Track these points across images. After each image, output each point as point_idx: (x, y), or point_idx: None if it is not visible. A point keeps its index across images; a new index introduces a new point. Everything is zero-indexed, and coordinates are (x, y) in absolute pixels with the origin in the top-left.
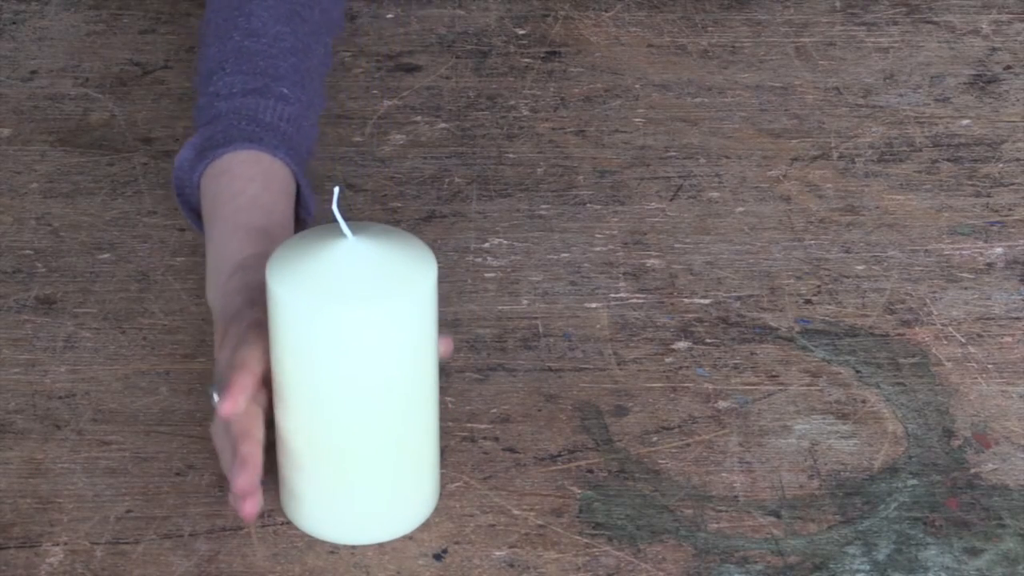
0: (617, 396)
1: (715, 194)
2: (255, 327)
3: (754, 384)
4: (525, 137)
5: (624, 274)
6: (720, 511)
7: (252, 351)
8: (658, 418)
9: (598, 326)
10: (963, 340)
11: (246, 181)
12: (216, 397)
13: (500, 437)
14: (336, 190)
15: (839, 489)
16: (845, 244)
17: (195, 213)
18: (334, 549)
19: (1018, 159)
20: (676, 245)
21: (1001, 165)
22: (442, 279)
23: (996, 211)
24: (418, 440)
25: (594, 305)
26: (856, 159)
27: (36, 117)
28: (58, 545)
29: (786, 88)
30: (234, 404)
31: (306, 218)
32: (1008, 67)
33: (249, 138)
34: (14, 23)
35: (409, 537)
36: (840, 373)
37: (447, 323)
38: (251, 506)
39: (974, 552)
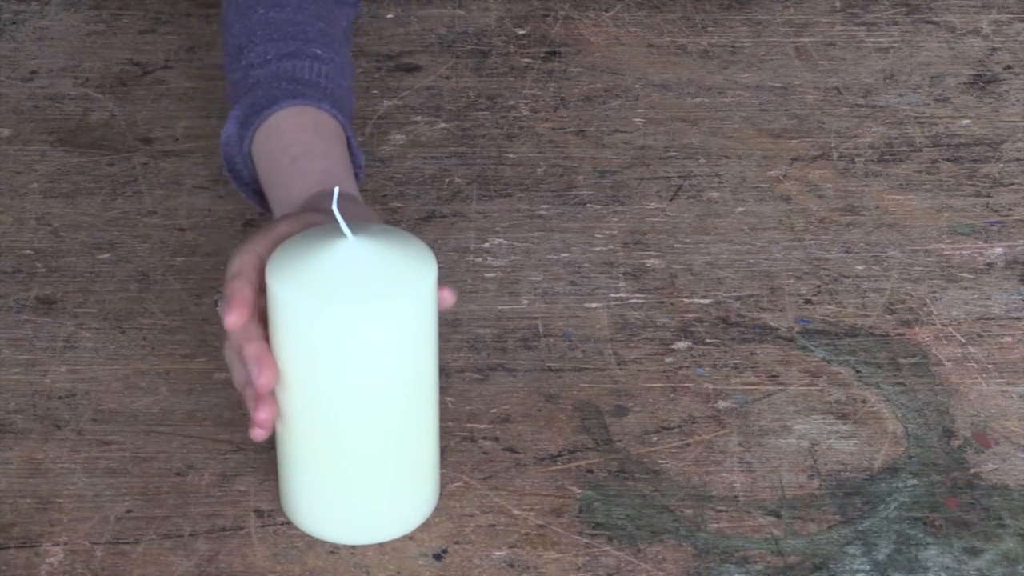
0: (617, 396)
1: (715, 194)
2: (258, 233)
3: (754, 384)
4: (525, 137)
5: (624, 274)
6: (720, 511)
7: (245, 258)
8: (658, 418)
9: (598, 326)
10: (963, 340)
11: (298, 132)
12: (219, 307)
13: (500, 437)
14: (336, 190)
15: (839, 489)
16: (845, 244)
17: (250, 188)
18: (334, 549)
19: (1018, 159)
20: (676, 245)
21: (1001, 165)
22: (442, 279)
23: (996, 211)
24: (418, 440)
25: (594, 305)
26: (856, 159)
27: (36, 117)
28: (58, 545)
29: (786, 88)
30: (240, 317)
31: (357, 172)
32: (1008, 67)
33: (292, 95)
34: (14, 23)
35: (409, 537)
36: (840, 373)
37: (447, 323)
38: (265, 412)
39: (974, 552)
